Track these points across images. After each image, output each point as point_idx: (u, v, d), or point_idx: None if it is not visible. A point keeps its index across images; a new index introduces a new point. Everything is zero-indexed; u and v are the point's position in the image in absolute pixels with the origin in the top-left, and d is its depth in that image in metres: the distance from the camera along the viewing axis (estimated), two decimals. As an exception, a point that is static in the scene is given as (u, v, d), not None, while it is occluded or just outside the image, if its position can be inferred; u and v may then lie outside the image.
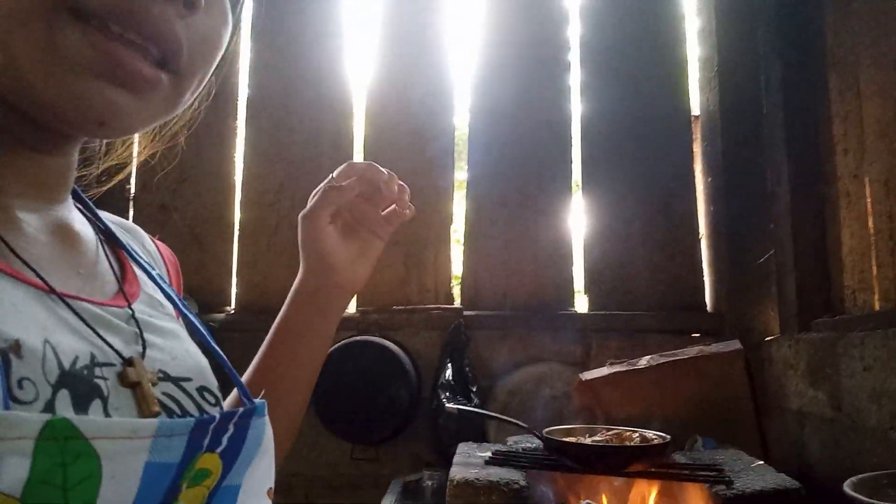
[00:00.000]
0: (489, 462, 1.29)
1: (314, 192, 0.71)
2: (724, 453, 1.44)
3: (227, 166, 2.29)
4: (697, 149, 2.23)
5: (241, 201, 2.27)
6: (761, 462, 1.30)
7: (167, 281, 0.56)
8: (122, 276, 0.48)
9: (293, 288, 0.71)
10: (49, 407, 0.33)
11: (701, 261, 2.14)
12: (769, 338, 1.88)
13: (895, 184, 1.43)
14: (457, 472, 1.21)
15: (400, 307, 2.13)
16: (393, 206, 0.73)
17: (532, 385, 1.93)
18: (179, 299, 0.53)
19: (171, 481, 0.36)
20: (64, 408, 0.34)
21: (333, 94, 2.29)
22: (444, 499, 1.21)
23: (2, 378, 0.31)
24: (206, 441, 0.39)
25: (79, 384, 0.36)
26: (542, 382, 1.93)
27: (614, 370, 1.72)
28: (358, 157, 2.28)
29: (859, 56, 1.57)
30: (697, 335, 2.02)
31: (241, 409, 0.43)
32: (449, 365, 1.93)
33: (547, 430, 1.37)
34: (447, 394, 1.84)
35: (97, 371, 0.38)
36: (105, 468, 0.32)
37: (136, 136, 0.57)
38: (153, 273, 0.52)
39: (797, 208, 1.81)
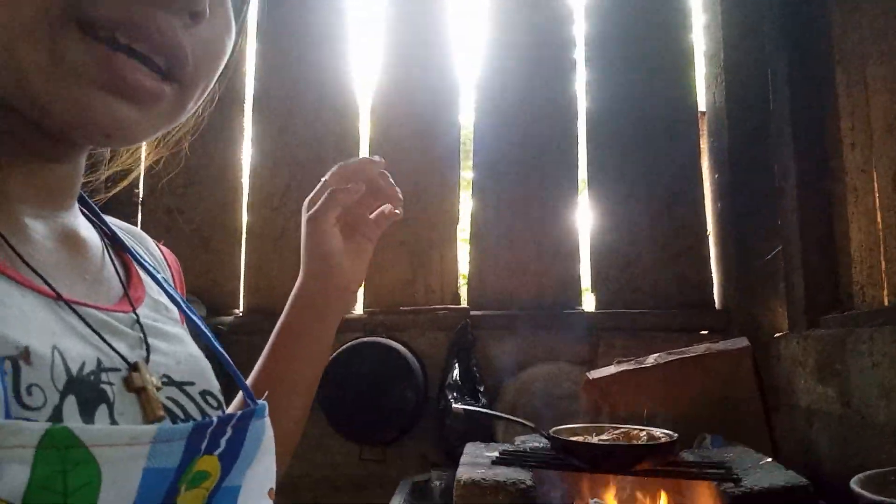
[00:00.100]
0: (496, 462, 1.29)
1: (309, 196, 0.72)
2: (732, 451, 1.44)
3: (234, 169, 2.30)
4: (704, 145, 2.22)
5: (247, 204, 2.28)
6: (769, 459, 1.30)
7: (172, 285, 0.57)
8: (128, 280, 0.49)
9: (294, 292, 0.72)
10: (57, 412, 0.34)
11: (708, 258, 2.13)
12: (777, 334, 1.88)
13: (903, 179, 1.42)
14: (464, 473, 1.22)
15: (406, 308, 2.13)
16: (384, 206, 0.75)
17: (540, 384, 1.93)
18: (184, 302, 0.53)
19: (169, 484, 0.37)
20: (71, 413, 0.35)
21: (338, 95, 2.30)
22: (452, 499, 1.21)
23: (2, 386, 0.31)
24: (204, 444, 0.40)
25: (85, 390, 0.36)
26: (549, 382, 1.93)
27: (621, 369, 1.72)
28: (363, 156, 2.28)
29: (866, 51, 1.56)
30: (705, 333, 2.01)
31: (238, 413, 0.44)
32: (456, 365, 1.93)
33: (554, 429, 1.37)
34: (454, 394, 1.84)
35: (103, 376, 0.38)
36: (105, 474, 0.33)
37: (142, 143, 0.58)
38: (158, 277, 0.52)
39: (804, 204, 1.80)
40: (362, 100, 2.31)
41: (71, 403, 0.35)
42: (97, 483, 0.33)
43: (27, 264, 0.39)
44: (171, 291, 0.53)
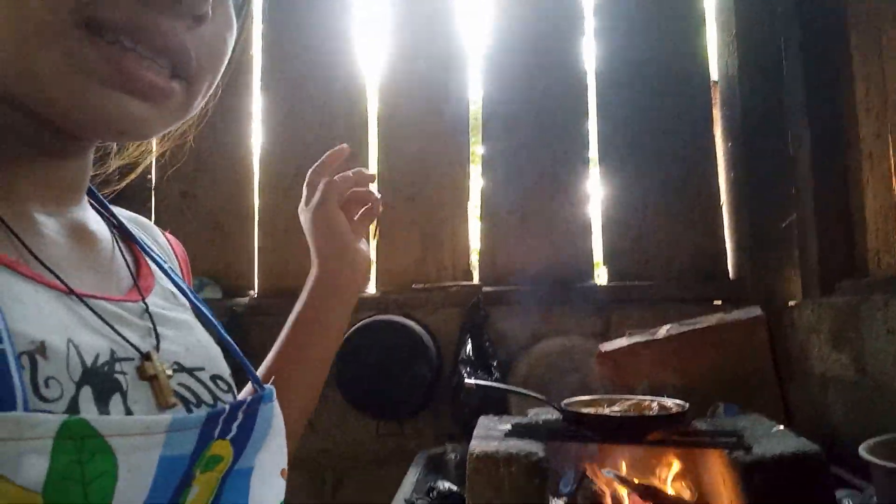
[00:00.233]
0: (509, 434, 1.31)
1: (302, 200, 0.77)
2: (745, 419, 1.44)
3: (245, 153, 2.32)
4: (717, 114, 2.18)
5: (258, 187, 2.30)
6: (782, 427, 1.30)
7: (179, 274, 0.59)
8: (137, 270, 0.51)
9: (312, 279, 0.75)
10: (73, 403, 0.35)
11: (722, 228, 2.12)
12: (792, 303, 1.87)
13: (918, 143, 1.39)
14: (476, 445, 1.24)
15: (419, 286, 2.15)
16: (364, 207, 0.79)
17: (553, 358, 1.95)
18: (191, 291, 0.55)
19: (184, 470, 0.39)
20: (87, 403, 0.36)
21: (345, 75, 2.29)
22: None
23: (19, 380, 0.33)
24: (217, 430, 0.42)
25: (100, 380, 0.38)
26: (562, 355, 1.94)
27: (633, 341, 1.72)
28: (372, 136, 2.28)
29: (881, 14, 1.52)
30: (719, 303, 2.01)
31: (248, 399, 0.46)
32: (469, 340, 1.95)
33: (566, 401, 1.39)
34: (467, 369, 1.87)
35: (117, 366, 0.40)
36: (121, 463, 0.35)
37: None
38: (165, 266, 0.54)
39: (819, 171, 1.77)
40: (369, 79, 2.31)
41: (87, 394, 0.37)
42: (114, 471, 0.34)
43: (39, 260, 0.40)
44: (178, 280, 0.54)
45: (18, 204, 0.42)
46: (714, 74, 2.18)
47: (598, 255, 2.19)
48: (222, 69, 0.48)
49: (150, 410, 0.41)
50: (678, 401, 1.34)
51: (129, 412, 0.39)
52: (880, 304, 1.39)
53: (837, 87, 1.73)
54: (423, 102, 2.23)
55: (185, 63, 0.43)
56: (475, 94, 2.29)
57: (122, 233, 0.53)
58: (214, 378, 0.48)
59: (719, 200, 2.13)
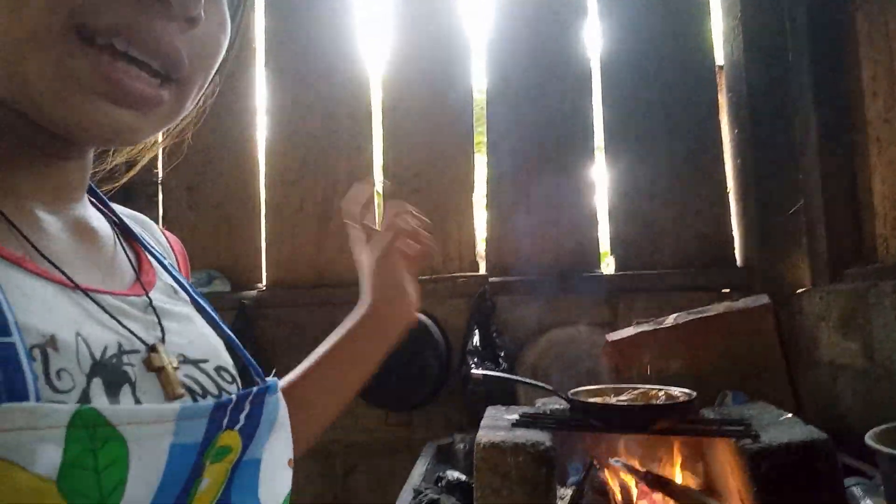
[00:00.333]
0: (516, 424, 1.31)
1: (365, 238, 0.78)
2: (753, 408, 1.44)
3: (250, 145, 2.32)
4: (722, 100, 2.17)
5: (265, 180, 2.31)
6: (790, 415, 1.30)
7: (178, 270, 0.59)
8: (139, 265, 0.52)
9: (359, 317, 0.75)
10: (84, 394, 0.36)
11: (729, 215, 2.11)
12: (800, 290, 1.86)
13: (927, 127, 1.38)
14: (484, 435, 1.24)
15: (425, 277, 2.16)
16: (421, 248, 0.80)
17: (560, 348, 1.95)
18: (190, 286, 0.56)
19: (194, 460, 0.40)
20: (98, 394, 0.37)
21: (348, 65, 2.28)
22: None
23: (31, 372, 0.33)
24: (226, 420, 0.42)
25: (109, 372, 0.39)
26: (569, 345, 1.94)
27: (640, 330, 1.72)
28: (375, 127, 2.28)
29: (888, -6, 1.50)
30: (727, 291, 2.00)
31: (254, 388, 0.47)
32: (476, 331, 1.96)
33: (573, 391, 1.39)
34: (475, 359, 1.87)
35: (125, 359, 0.41)
36: (132, 451, 0.36)
37: None
38: (165, 263, 0.55)
39: (826, 156, 1.76)
40: (373, 70, 2.30)
41: (97, 385, 0.37)
42: (126, 459, 0.35)
43: (44, 256, 0.41)
44: (178, 276, 0.55)
45: (21, 203, 0.43)
46: (719, 59, 2.16)
47: (604, 243, 2.18)
48: (214, 70, 0.48)
49: (159, 401, 0.41)
50: (685, 389, 1.34)
51: (138, 403, 0.40)
52: (889, 290, 1.38)
53: (844, 70, 1.72)
54: (427, 93, 2.23)
55: (176, 65, 0.43)
56: (479, 83, 2.28)
57: (122, 230, 0.54)
58: (219, 369, 0.49)
59: (726, 187, 2.11)
